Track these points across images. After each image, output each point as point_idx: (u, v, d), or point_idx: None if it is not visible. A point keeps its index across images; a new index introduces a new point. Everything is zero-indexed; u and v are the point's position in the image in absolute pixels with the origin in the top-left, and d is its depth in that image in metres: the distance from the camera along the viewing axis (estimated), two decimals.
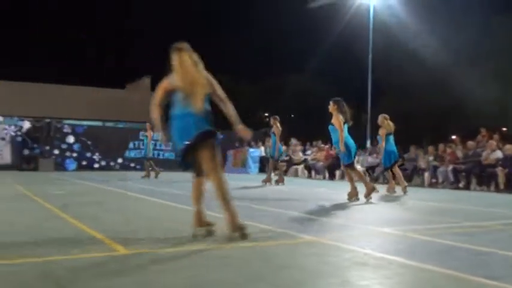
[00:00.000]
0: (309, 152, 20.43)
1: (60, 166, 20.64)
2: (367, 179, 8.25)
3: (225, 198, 4.27)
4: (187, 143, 4.24)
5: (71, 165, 21.17)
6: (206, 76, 4.41)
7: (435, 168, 14.31)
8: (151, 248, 3.83)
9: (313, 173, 18.75)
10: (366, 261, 3.52)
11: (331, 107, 8.40)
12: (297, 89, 39.65)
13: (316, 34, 42.02)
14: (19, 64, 44.89)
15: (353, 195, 8.31)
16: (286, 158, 21.32)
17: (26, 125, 20.54)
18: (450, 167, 13.76)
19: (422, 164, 14.91)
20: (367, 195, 8.26)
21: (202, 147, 4.25)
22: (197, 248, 3.88)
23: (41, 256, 3.49)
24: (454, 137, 24.60)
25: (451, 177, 13.65)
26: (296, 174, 19.37)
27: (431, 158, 14.82)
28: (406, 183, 10.62)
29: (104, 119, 29.62)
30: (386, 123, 10.44)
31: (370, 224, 5.57)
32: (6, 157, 20.18)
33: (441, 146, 14.94)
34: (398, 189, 10.30)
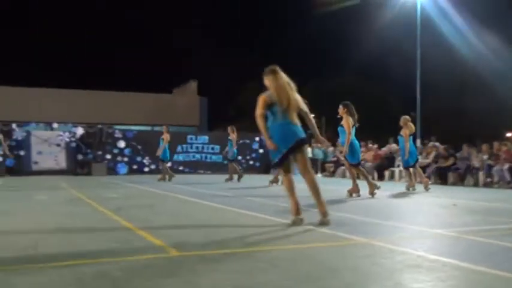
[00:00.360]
0: None
1: (112, 170, 21.28)
2: (371, 177, 9.70)
3: (317, 191, 5.36)
4: (290, 146, 5.22)
5: (122, 169, 21.78)
6: (296, 93, 5.44)
7: (490, 167, 13.81)
8: (202, 250, 3.89)
9: None
10: (420, 264, 3.44)
11: (341, 110, 9.20)
12: (342, 88, 39.24)
13: (361, 33, 41.47)
14: (73, 73, 46.60)
15: (354, 192, 9.19)
16: (334, 159, 21.13)
17: (80, 131, 21.30)
18: (506, 166, 13.24)
19: (475, 163, 14.43)
20: (371, 193, 9.11)
21: (300, 150, 5.28)
22: (245, 250, 3.91)
23: (96, 257, 3.61)
24: (509, 134, 23.65)
25: (507, 177, 13.13)
26: (344, 175, 19.16)
27: (485, 156, 14.31)
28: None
29: (152, 123, 30.30)
30: (408, 124, 11.07)
31: (422, 225, 5.44)
32: (61, 162, 20.98)
33: (496, 144, 14.41)
34: (419, 187, 11.02)
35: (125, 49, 56.58)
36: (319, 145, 22.71)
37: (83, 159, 21.08)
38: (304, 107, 5.48)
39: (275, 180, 13.01)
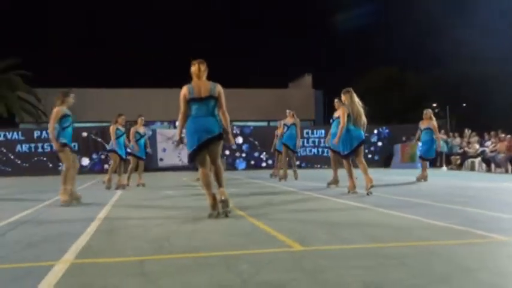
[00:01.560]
0: (488, 143, 18.77)
1: (231, 166, 22.05)
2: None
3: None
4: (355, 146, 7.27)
5: (241, 164, 22.49)
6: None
7: None
8: (326, 245, 3.87)
9: (492, 166, 17.17)
10: None
11: (343, 97, 8.73)
12: (467, 77, 36.69)
13: (473, 19, 38.48)
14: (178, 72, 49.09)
15: (350, 188, 8.65)
16: (460, 151, 19.88)
17: None
18: None
19: None
20: (350, 189, 8.60)
21: (360, 151, 7.25)
22: (371, 246, 3.81)
23: (223, 250, 3.75)
24: None
25: None
26: (472, 168, 17.94)
27: None
28: None
29: (268, 119, 30.81)
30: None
31: None
32: (184, 159, 22.20)
33: None
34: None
35: (241, 46, 58.22)
36: (444, 137, 21.53)
37: None
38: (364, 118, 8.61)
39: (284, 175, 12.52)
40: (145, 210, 6.83)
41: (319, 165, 22.86)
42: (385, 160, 22.92)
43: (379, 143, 23.60)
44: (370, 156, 23.16)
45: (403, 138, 23.01)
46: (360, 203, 6.92)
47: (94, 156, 22.01)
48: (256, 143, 22.78)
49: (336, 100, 10.00)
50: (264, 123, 29.39)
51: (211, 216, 5.59)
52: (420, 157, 12.74)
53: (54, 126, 7.56)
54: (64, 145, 7.59)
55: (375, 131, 23.60)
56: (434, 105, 39.92)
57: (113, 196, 9.23)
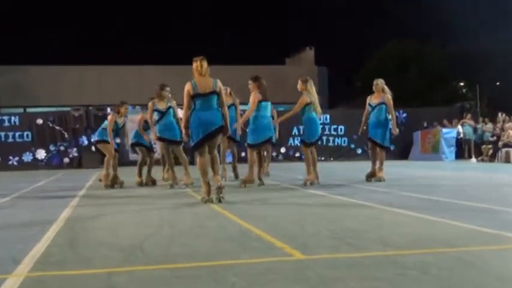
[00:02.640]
0: None
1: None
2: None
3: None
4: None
5: (228, 157, 22.45)
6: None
7: None
8: (332, 253, 3.89)
9: None
10: None
11: (300, 85, 9.88)
12: (501, 51, 36.69)
13: None
14: (175, 46, 48.85)
15: (308, 180, 9.70)
16: (492, 139, 19.99)
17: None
18: None
19: None
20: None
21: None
22: (386, 254, 3.83)
23: (208, 260, 3.76)
24: None
25: None
26: (508, 159, 18.07)
27: None
28: None
29: None
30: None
31: None
32: (159, 150, 22.16)
33: None
34: None
35: (225, 13, 57.97)
36: (472, 122, 21.63)
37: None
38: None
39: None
40: (116, 210, 6.83)
41: (322, 158, 22.89)
42: (402, 150, 23.02)
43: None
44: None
45: (424, 124, 23.13)
46: (368, 201, 6.95)
47: (52, 147, 21.93)
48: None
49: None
50: None
51: (203, 200, 7.20)
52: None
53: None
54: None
55: (390, 116, 23.67)
56: (462, 84, 40.04)
57: (77, 192, 9.24)
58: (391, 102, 11.02)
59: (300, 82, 9.96)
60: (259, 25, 61.00)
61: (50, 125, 21.96)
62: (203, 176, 7.27)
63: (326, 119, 23.33)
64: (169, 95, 10.52)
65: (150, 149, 11.27)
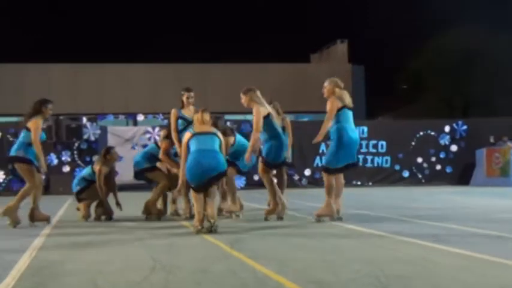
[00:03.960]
0: None
1: None
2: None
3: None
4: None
5: (238, 181, 22.51)
6: None
7: None
8: None
9: None
10: None
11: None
12: None
13: None
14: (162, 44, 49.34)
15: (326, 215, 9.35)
16: None
17: None
18: None
19: None
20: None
21: None
22: None
23: None
24: None
25: None
26: None
27: None
28: None
29: (286, 110, 30.66)
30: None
31: None
32: None
33: None
34: None
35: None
36: None
37: None
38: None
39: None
40: (94, 249, 6.85)
41: (358, 182, 22.74)
42: (462, 173, 22.88)
43: (453, 147, 23.50)
44: (438, 167, 23.06)
45: (491, 139, 22.91)
46: (414, 237, 6.92)
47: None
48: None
49: (241, 94, 10.20)
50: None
51: (195, 229, 8.11)
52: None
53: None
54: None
55: (446, 128, 23.50)
56: None
57: (44, 226, 9.32)
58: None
59: (328, 85, 9.61)
60: (276, 12, 61.18)
61: (10, 139, 21.94)
62: (196, 203, 8.33)
63: (362, 133, 23.14)
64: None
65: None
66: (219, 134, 8.74)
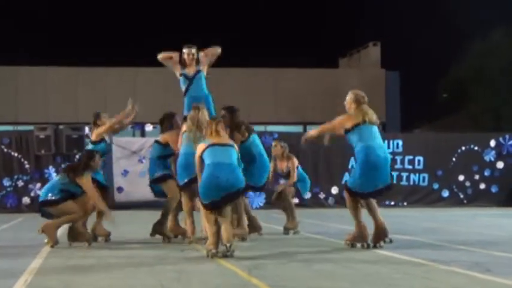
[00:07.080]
0: None
1: None
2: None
3: None
4: None
5: (257, 199, 22.56)
6: None
7: None
8: None
9: None
10: None
11: (349, 103, 9.42)
12: None
13: None
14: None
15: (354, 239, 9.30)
16: None
17: None
18: None
19: None
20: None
21: None
22: None
23: None
24: None
25: None
26: None
27: None
28: None
29: (305, 120, 30.53)
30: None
31: None
32: None
33: None
34: None
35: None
36: None
37: None
38: None
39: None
40: (96, 275, 6.89)
41: (391, 202, 22.58)
42: (508, 193, 22.73)
43: (499, 164, 23.35)
44: (482, 186, 22.90)
45: None
46: (456, 265, 6.91)
47: (6, 182, 21.86)
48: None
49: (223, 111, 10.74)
50: (299, 128, 29.21)
51: (209, 254, 8.17)
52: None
53: None
54: None
55: (492, 143, 23.34)
56: None
57: (41, 249, 9.37)
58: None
59: (348, 98, 9.45)
60: (299, 12, 61.25)
61: (5, 150, 21.98)
62: (209, 224, 8.48)
63: (397, 147, 23.08)
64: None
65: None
66: (236, 147, 8.88)
